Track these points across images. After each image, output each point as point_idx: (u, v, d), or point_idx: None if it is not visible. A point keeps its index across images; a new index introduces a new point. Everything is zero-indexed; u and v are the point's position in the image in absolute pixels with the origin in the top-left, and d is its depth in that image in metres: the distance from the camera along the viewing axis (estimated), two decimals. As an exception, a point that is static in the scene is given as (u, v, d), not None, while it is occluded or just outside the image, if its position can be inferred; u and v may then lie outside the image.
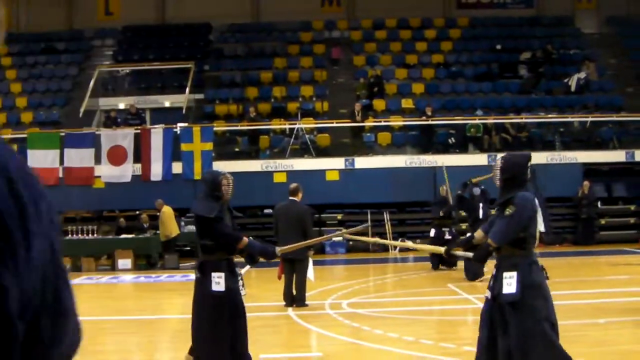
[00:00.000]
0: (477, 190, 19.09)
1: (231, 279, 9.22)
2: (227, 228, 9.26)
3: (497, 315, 7.79)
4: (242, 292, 9.52)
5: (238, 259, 9.49)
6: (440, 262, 20.80)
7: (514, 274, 7.64)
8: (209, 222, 9.11)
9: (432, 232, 21.52)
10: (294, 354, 10.39)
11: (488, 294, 7.96)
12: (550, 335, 7.69)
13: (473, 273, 17.88)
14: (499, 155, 8.24)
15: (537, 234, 7.94)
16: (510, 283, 7.63)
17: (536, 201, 7.99)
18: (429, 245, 10.97)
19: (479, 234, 8.38)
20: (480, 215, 18.35)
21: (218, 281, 9.11)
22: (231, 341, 9.15)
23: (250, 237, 9.55)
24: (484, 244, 8.13)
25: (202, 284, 9.24)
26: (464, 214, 22.01)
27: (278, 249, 9.56)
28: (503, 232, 7.77)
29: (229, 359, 9.19)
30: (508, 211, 7.74)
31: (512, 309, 7.64)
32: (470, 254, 8.41)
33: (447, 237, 20.87)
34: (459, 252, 8.61)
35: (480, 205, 18.63)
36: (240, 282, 9.48)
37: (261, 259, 9.60)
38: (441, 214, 21.37)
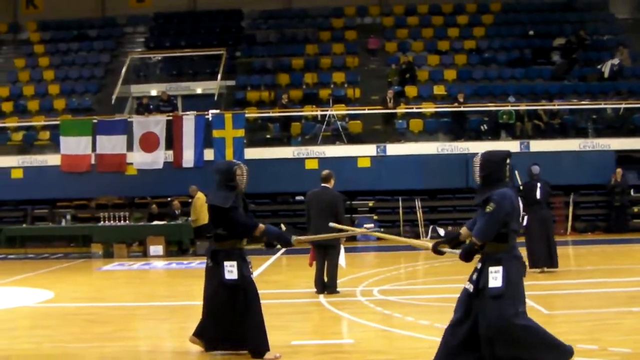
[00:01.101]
0: (536, 169, 18.09)
1: (244, 267, 9.28)
2: (243, 217, 9.33)
3: (475, 305, 8.07)
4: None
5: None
6: None
7: (500, 268, 7.94)
8: (225, 212, 9.21)
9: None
10: (325, 340, 10.38)
11: (469, 285, 8.22)
12: (528, 322, 7.93)
13: None
14: (479, 153, 8.31)
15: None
16: (496, 277, 7.93)
17: (516, 196, 8.15)
18: (416, 240, 10.92)
19: (464, 230, 8.60)
20: (538, 195, 17.76)
21: (231, 269, 9.21)
22: (250, 326, 9.19)
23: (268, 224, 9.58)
24: (469, 241, 8.36)
25: (215, 272, 9.31)
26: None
27: (294, 238, 9.58)
28: (483, 229, 8.01)
29: (248, 342, 9.23)
30: (488, 208, 7.96)
31: (494, 300, 7.90)
32: (457, 251, 8.47)
33: None
34: (446, 249, 8.70)
35: (539, 185, 17.85)
36: (251, 269, 9.55)
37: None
38: None
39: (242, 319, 9.20)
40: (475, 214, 8.41)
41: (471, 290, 8.14)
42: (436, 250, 8.77)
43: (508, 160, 8.26)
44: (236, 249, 9.35)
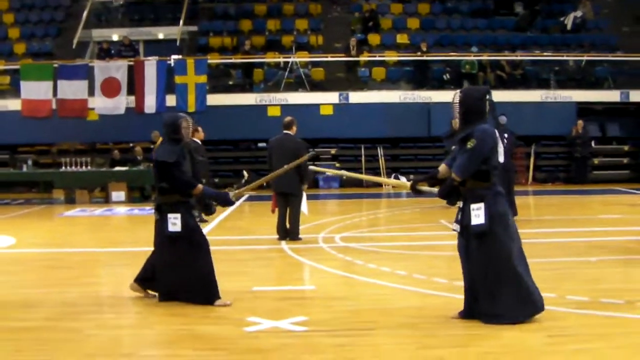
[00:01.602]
0: (503, 119, 18.16)
1: (188, 218, 9.31)
2: (184, 174, 9.33)
3: (469, 246, 8.13)
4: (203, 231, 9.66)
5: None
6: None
7: (481, 205, 7.99)
8: (167, 166, 9.21)
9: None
10: (286, 286, 10.43)
11: (456, 226, 8.29)
12: (514, 263, 7.99)
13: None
14: (457, 91, 8.32)
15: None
16: (478, 215, 7.99)
17: (497, 133, 8.15)
18: (394, 180, 10.76)
19: (443, 168, 8.53)
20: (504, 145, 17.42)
21: (174, 222, 9.24)
22: (196, 277, 9.24)
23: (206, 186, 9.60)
24: (448, 178, 8.32)
25: (160, 225, 9.35)
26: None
27: (232, 194, 9.60)
28: (465, 165, 8.03)
29: (195, 294, 9.30)
30: (469, 145, 7.99)
31: (479, 239, 7.99)
32: (435, 190, 8.50)
33: None
34: (425, 188, 8.71)
35: (505, 135, 17.65)
36: (199, 221, 9.58)
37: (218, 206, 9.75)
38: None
39: (189, 270, 9.26)
40: (437, 162, 8.43)
41: (458, 230, 8.22)
42: (415, 189, 8.76)
43: (488, 97, 8.28)
44: (182, 202, 9.37)
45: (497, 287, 7.93)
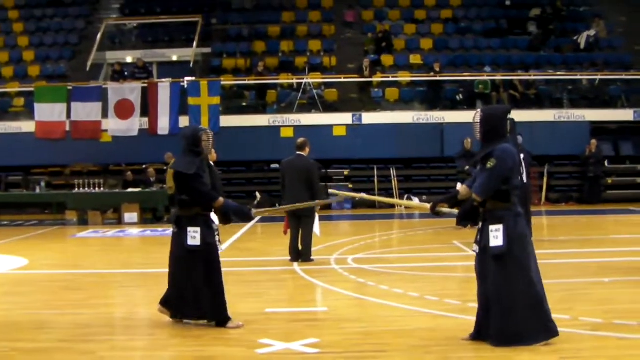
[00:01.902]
0: (519, 139, 17.87)
1: (208, 233, 9.25)
2: (205, 186, 9.28)
3: (486, 268, 8.02)
4: (220, 248, 9.56)
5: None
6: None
7: (500, 226, 7.87)
8: (187, 178, 9.14)
9: (459, 186, 21.01)
10: (299, 308, 10.42)
11: (476, 247, 8.19)
12: (534, 285, 7.89)
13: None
14: (478, 109, 8.27)
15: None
16: (497, 236, 7.87)
17: (518, 153, 8.10)
18: (413, 202, 10.70)
19: (463, 189, 8.45)
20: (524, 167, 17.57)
21: (194, 235, 9.16)
22: (208, 295, 9.20)
23: (228, 199, 9.53)
24: (469, 199, 8.25)
25: (179, 238, 9.29)
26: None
27: (254, 211, 9.57)
28: (485, 185, 7.92)
29: (206, 311, 9.26)
30: (489, 164, 7.88)
31: (497, 261, 7.88)
32: (456, 211, 8.44)
33: None
34: (445, 209, 8.59)
35: (522, 155, 17.62)
36: (217, 238, 9.50)
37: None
38: (467, 168, 20.67)
39: (202, 287, 9.20)
40: (450, 183, 8.44)
41: (477, 251, 8.14)
42: (435, 212, 8.63)
43: (509, 115, 8.23)
44: (201, 215, 9.32)
45: (514, 308, 7.81)
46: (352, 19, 35.30)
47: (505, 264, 7.85)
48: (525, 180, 17.48)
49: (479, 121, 8.10)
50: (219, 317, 9.22)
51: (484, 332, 8.06)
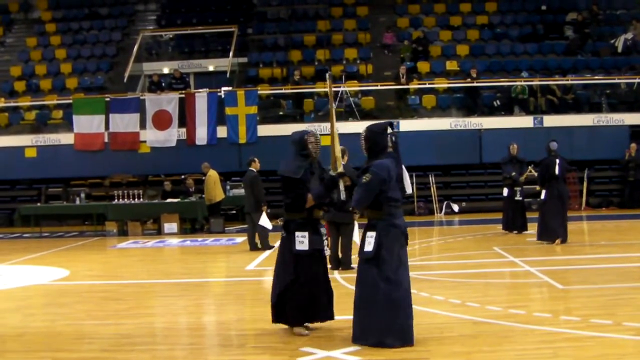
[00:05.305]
0: (554, 145, 18.27)
1: (315, 238, 9.25)
2: (304, 190, 9.25)
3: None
4: (326, 252, 9.59)
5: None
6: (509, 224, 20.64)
7: (374, 234, 8.52)
8: (289, 181, 9.25)
9: (505, 192, 21.01)
10: (340, 316, 10.36)
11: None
12: (395, 293, 8.48)
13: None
14: (364, 126, 9.05)
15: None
16: (370, 242, 8.53)
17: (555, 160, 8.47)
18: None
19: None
20: (557, 171, 17.92)
21: (302, 240, 9.16)
22: (313, 300, 9.22)
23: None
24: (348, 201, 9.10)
25: (287, 242, 9.30)
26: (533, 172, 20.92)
27: (332, 172, 9.37)
28: (358, 198, 8.61)
29: (311, 315, 9.31)
30: (365, 179, 8.54)
31: (365, 264, 8.58)
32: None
33: (518, 197, 20.60)
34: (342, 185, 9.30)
35: (557, 161, 17.97)
36: (325, 242, 9.50)
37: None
38: (513, 174, 20.73)
39: (304, 288, 9.21)
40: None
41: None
42: (339, 174, 9.36)
43: (389, 130, 8.78)
44: (308, 219, 9.32)
45: (375, 309, 8.52)
46: (390, 41, 34.99)
47: (372, 268, 8.45)
48: (543, 196, 18.16)
49: (363, 138, 8.87)
50: (301, 320, 9.33)
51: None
